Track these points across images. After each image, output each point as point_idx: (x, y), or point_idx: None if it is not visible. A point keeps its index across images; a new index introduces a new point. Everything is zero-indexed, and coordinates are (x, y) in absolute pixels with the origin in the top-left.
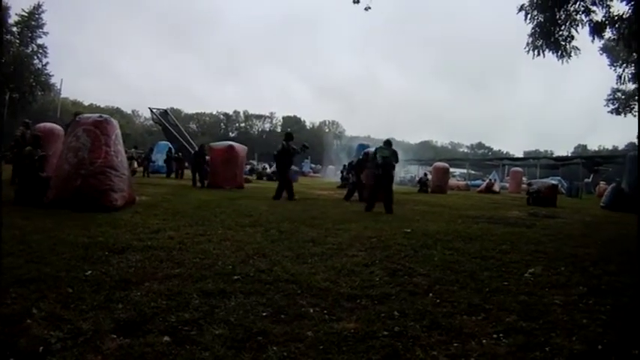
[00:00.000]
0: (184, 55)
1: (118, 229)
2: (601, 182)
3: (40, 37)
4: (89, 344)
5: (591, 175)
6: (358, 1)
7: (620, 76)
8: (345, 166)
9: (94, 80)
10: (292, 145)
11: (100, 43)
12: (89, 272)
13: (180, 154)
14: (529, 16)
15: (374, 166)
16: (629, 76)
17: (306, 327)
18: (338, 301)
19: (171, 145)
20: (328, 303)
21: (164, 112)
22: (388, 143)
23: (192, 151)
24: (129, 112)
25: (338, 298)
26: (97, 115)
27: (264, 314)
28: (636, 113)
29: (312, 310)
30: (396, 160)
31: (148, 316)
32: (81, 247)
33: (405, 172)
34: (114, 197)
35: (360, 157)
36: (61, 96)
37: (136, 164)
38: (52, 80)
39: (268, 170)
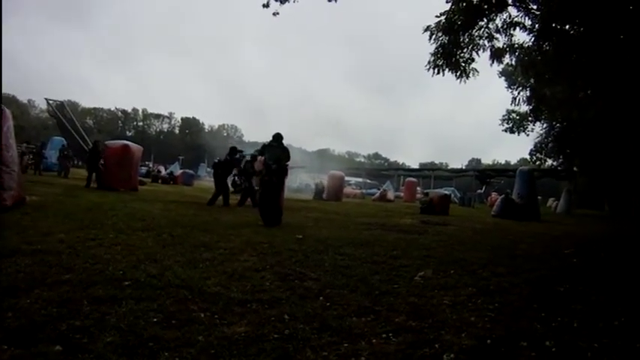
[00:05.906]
0: (88, 45)
1: (7, 231)
2: (493, 193)
3: None
4: None
5: (484, 187)
6: (268, 5)
7: (515, 98)
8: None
9: None
10: (235, 158)
11: None
12: None
13: (68, 151)
14: (434, 36)
15: (266, 171)
16: (524, 98)
17: (197, 332)
18: (229, 306)
19: (64, 142)
20: (219, 307)
21: (61, 105)
22: (278, 139)
23: (87, 149)
24: (25, 101)
25: (229, 303)
26: None
27: (155, 320)
28: (529, 132)
29: (203, 315)
30: (288, 159)
31: (38, 324)
32: None
33: (300, 179)
34: (2, 196)
35: (225, 158)
36: None
37: (27, 160)
38: None
39: (163, 172)
